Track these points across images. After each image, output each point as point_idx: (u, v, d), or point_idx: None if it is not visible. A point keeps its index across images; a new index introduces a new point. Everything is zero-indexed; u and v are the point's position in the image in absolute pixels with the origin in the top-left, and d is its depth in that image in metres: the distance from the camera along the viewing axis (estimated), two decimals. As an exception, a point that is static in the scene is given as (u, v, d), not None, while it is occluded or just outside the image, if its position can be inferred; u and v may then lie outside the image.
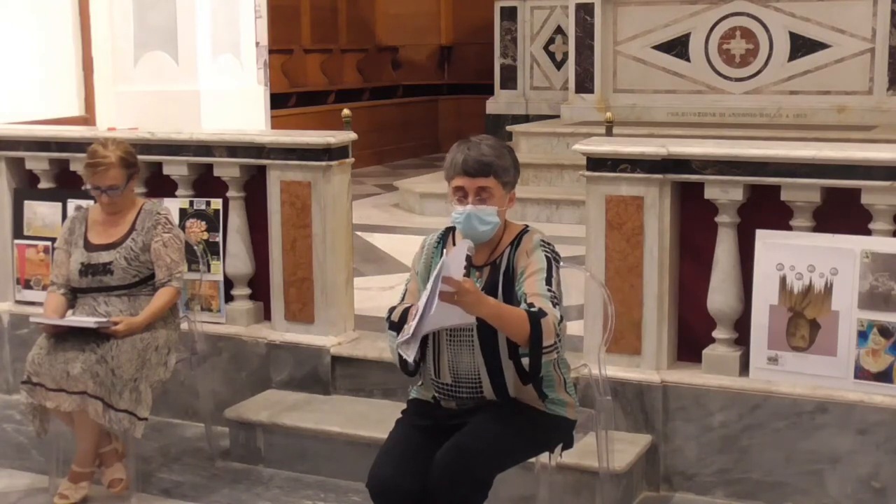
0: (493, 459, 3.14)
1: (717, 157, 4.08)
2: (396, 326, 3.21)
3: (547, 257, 3.21)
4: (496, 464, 3.16)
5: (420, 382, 3.42)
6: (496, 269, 3.26)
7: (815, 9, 9.00)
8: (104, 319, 4.12)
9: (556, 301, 3.14)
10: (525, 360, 3.09)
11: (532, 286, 3.14)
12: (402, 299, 3.36)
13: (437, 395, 3.34)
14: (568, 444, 3.47)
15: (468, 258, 2.99)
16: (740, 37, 9.26)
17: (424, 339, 3.19)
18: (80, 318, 4.19)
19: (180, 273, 4.34)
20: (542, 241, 3.26)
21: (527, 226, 3.35)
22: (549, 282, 3.15)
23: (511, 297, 3.20)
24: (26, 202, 5.44)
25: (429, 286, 2.98)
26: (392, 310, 3.29)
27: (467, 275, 2.97)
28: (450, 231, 3.38)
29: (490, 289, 3.21)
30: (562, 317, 3.14)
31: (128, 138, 4.77)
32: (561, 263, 3.29)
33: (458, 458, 3.09)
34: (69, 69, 7.34)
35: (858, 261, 3.91)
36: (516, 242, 3.27)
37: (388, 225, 8.22)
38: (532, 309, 3.08)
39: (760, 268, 4.07)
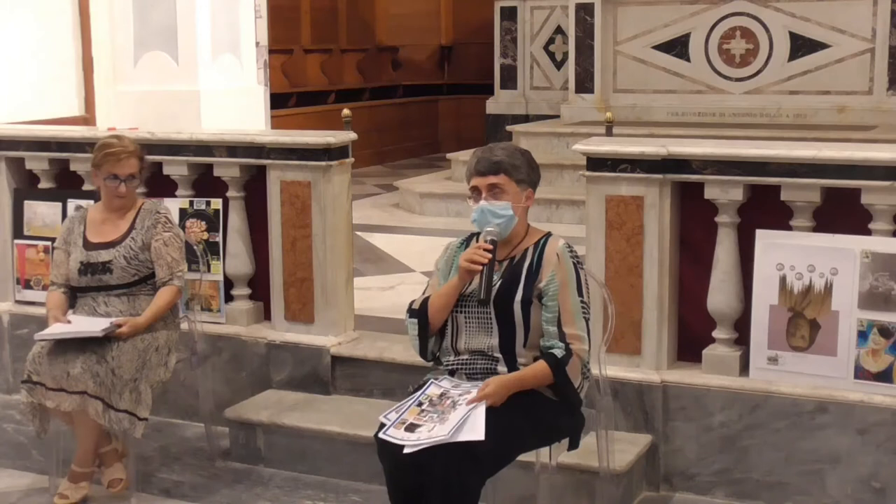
0: (495, 443, 3.16)
1: (717, 157, 4.08)
2: (416, 313, 3.43)
3: (575, 265, 3.40)
4: (497, 449, 3.19)
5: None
6: (515, 265, 3.42)
7: (815, 9, 8.99)
8: (108, 325, 4.10)
9: (586, 314, 3.38)
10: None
11: (566, 311, 3.34)
12: (424, 293, 3.54)
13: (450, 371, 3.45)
14: (574, 444, 3.50)
15: (493, 242, 3.32)
16: (740, 37, 9.26)
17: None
18: (86, 329, 4.12)
19: (181, 272, 4.34)
20: (568, 246, 3.44)
21: (549, 232, 3.52)
22: (580, 292, 3.37)
23: (531, 290, 3.36)
24: (26, 202, 5.44)
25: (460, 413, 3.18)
26: (413, 302, 3.49)
27: (490, 267, 3.29)
28: (473, 236, 3.55)
29: (510, 281, 3.39)
30: (589, 334, 3.40)
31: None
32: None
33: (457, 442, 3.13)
34: (69, 69, 7.31)
35: (858, 261, 3.91)
36: (541, 244, 3.45)
37: (388, 225, 8.22)
38: (558, 353, 3.30)
39: (760, 268, 4.07)
